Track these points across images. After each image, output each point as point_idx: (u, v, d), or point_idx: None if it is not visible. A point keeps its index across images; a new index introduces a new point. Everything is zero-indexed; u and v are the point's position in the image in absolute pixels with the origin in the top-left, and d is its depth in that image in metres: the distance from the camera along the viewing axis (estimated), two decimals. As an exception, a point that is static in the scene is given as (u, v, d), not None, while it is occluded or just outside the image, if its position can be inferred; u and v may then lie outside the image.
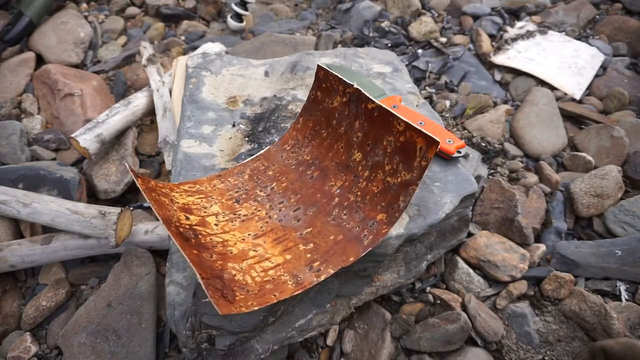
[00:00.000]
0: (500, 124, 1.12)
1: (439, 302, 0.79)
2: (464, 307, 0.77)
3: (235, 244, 0.59)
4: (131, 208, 0.97)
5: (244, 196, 0.68)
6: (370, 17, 1.51)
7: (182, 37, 1.51)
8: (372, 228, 0.59)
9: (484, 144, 1.06)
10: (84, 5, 1.63)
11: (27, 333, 0.80)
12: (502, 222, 0.88)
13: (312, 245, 0.60)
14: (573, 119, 1.16)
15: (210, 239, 0.58)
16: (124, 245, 0.85)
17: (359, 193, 0.63)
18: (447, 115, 1.18)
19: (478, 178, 0.96)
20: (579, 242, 0.86)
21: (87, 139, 0.98)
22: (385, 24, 1.48)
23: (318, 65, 0.72)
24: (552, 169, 1.01)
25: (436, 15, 1.56)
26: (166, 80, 1.14)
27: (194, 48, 1.38)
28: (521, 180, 0.99)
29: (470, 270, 0.82)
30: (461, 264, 0.83)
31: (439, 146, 0.58)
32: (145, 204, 1.01)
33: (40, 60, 1.36)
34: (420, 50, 1.39)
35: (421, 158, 0.57)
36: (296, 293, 0.53)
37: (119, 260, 0.86)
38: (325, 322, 0.70)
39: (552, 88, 1.23)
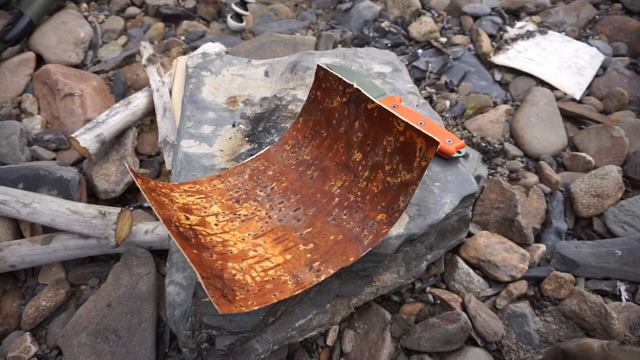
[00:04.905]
0: (500, 124, 1.12)
1: (439, 302, 0.79)
2: (464, 307, 0.77)
3: (235, 243, 0.59)
4: (131, 208, 0.97)
5: (244, 196, 0.68)
6: (370, 17, 1.51)
7: (182, 37, 1.50)
8: (372, 228, 0.59)
9: (484, 144, 1.06)
10: (84, 5, 1.63)
11: (27, 333, 0.80)
12: (502, 222, 0.88)
13: (312, 245, 0.60)
14: (573, 119, 1.16)
15: (210, 239, 0.58)
16: (124, 245, 0.85)
17: (359, 193, 0.63)
18: (447, 115, 1.18)
19: (478, 178, 0.96)
20: (579, 242, 0.86)
21: (87, 139, 0.98)
22: (385, 24, 1.48)
23: (318, 65, 0.72)
24: (552, 169, 1.01)
25: (436, 15, 1.56)
26: (166, 80, 1.14)
27: (194, 48, 1.38)
28: (521, 180, 0.99)
29: (470, 270, 0.82)
30: (461, 264, 0.83)
31: (439, 146, 0.58)
32: (145, 204, 1.01)
33: (40, 60, 1.36)
34: (420, 50, 1.39)
35: (421, 158, 0.57)
36: (296, 293, 0.53)
37: (119, 260, 0.86)
38: (325, 322, 0.70)
39: (552, 88, 1.23)
